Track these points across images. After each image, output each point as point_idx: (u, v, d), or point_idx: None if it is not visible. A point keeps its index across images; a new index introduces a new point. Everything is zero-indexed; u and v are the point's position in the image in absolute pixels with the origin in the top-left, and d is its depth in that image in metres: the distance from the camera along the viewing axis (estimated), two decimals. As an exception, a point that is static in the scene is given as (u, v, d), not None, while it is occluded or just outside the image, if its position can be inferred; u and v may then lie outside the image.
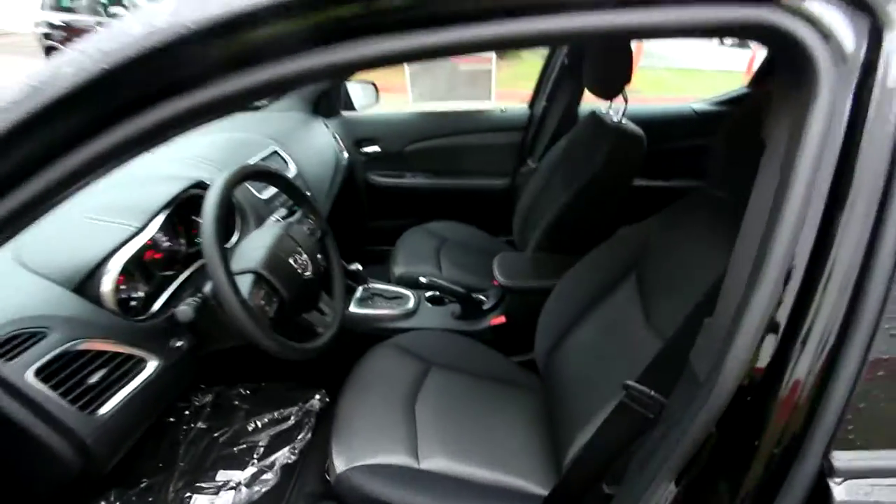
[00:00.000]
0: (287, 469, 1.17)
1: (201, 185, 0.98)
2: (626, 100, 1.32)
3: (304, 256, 0.92)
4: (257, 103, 1.79)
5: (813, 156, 0.40)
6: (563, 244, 1.38)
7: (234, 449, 1.22)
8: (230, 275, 0.74)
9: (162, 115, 0.39)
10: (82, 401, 0.70)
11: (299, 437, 1.25)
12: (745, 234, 0.48)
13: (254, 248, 0.86)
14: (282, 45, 0.38)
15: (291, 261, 0.88)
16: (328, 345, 0.93)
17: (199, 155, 1.16)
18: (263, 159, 1.29)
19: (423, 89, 1.97)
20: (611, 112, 1.43)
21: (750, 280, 0.44)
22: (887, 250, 0.40)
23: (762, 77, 1.80)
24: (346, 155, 1.87)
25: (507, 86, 1.92)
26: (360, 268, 1.41)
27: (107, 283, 0.78)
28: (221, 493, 1.11)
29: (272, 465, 1.17)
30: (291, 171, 1.38)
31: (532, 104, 1.98)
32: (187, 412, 1.32)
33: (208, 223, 0.75)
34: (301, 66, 0.37)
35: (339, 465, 0.89)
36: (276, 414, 1.30)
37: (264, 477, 1.14)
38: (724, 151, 0.81)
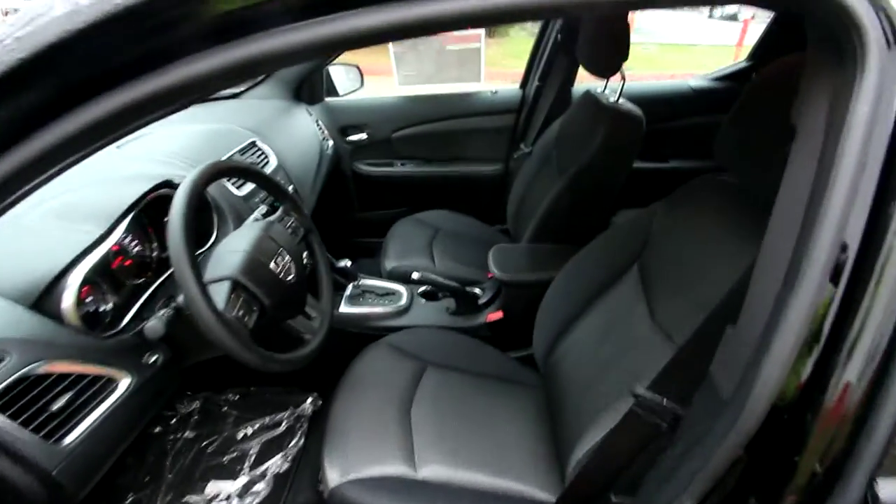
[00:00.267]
0: (280, 478, 1.12)
1: (170, 185, 0.90)
2: (623, 78, 1.26)
3: (287, 258, 0.85)
4: (234, 90, 1.69)
5: (859, 145, 0.35)
6: (561, 233, 1.32)
7: (224, 458, 1.17)
8: (202, 285, 0.67)
9: (107, 106, 0.33)
10: (46, 429, 0.64)
11: (291, 443, 1.20)
12: (775, 233, 0.43)
13: (230, 252, 0.79)
14: (243, 21, 0.31)
15: (272, 264, 0.81)
16: (315, 353, 0.87)
17: (168, 150, 1.07)
18: (241, 152, 1.21)
19: (409, 71, 1.87)
20: (607, 91, 1.37)
21: (785, 286, 0.39)
22: None
23: (763, 51, 1.73)
24: (330, 143, 1.78)
25: (495, 65, 1.83)
26: (350, 264, 1.34)
27: (67, 298, 0.71)
28: (212, 505, 1.07)
29: (264, 474, 1.12)
30: (272, 164, 1.30)
31: (524, 85, 1.90)
32: (173, 421, 1.26)
33: (176, 229, 0.68)
34: (219, 60, 0.31)
35: (333, 478, 0.84)
36: (266, 419, 1.25)
37: (256, 488, 1.09)
38: (734, 133, 0.75)
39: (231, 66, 0.33)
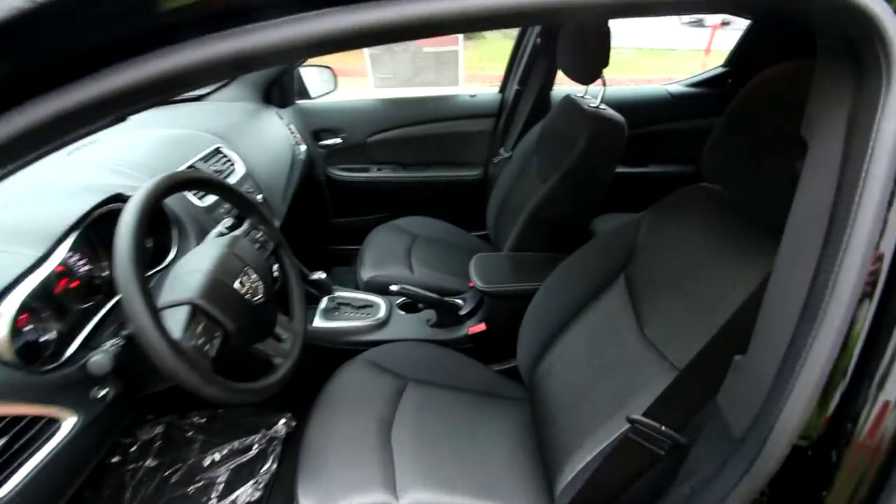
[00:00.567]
0: (251, 509, 1.05)
1: (121, 199, 0.82)
2: (604, 83, 1.24)
3: (254, 277, 0.78)
4: (198, 92, 1.60)
5: (890, 157, 0.32)
6: (544, 240, 1.29)
7: (190, 488, 1.08)
8: (154, 311, 0.60)
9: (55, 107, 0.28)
10: (-27, 481, 0.56)
11: (263, 468, 1.13)
12: (789, 257, 0.39)
13: (189, 272, 0.72)
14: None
15: (237, 285, 0.74)
16: (287, 378, 0.80)
17: (122, 159, 0.99)
18: (204, 159, 1.13)
19: (385, 73, 1.81)
20: (587, 96, 1.35)
21: (806, 313, 0.35)
22: None
23: (739, 57, 1.75)
24: (303, 148, 1.71)
25: (472, 68, 1.80)
26: (324, 275, 1.27)
27: (0, 330, 0.62)
28: (176, 542, 0.99)
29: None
30: (239, 171, 1.22)
31: (503, 89, 1.86)
32: (133, 449, 1.17)
33: (122, 250, 0.60)
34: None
35: None
36: (236, 444, 1.17)
37: (225, 520, 1.02)
38: (723, 142, 0.73)
39: (191, 67, 0.28)
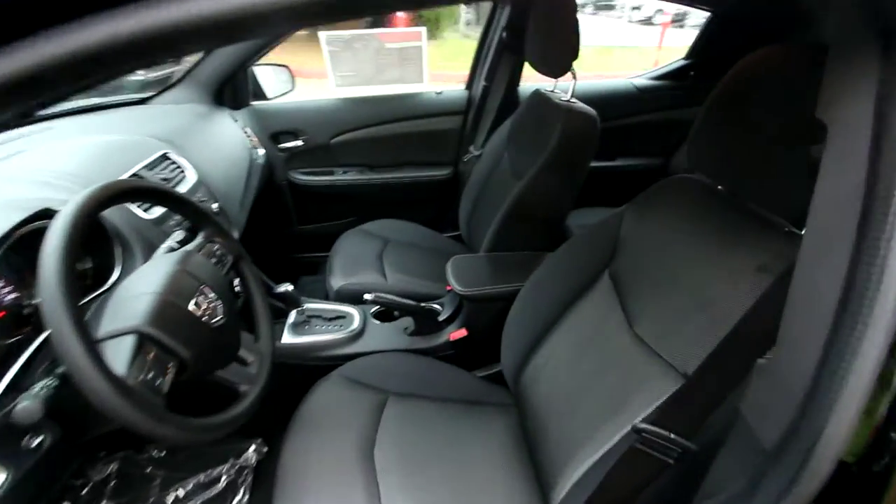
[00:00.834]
0: (221, 549, 0.96)
1: (49, 215, 0.72)
2: (574, 76, 1.21)
3: (212, 295, 0.69)
4: (141, 95, 1.47)
5: None
6: (521, 239, 1.26)
7: (150, 532, 0.98)
8: (90, 345, 0.51)
9: None
10: None
11: (234, 501, 1.03)
12: (816, 250, 0.36)
13: (135, 295, 0.63)
14: None
15: (192, 306, 0.66)
16: (255, 406, 0.72)
17: (54, 169, 0.87)
18: (149, 167, 1.02)
19: (346, 71, 1.73)
20: (557, 90, 1.32)
21: (847, 314, 0.32)
22: None
23: (700, 49, 1.78)
24: (261, 152, 1.60)
25: (434, 67, 1.75)
26: (291, 287, 1.19)
27: None
28: None
29: (202, 545, 0.95)
30: (190, 179, 1.11)
31: (469, 85, 1.82)
32: (84, 491, 1.04)
33: (49, 274, 0.51)
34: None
35: None
36: (201, 477, 1.07)
37: (192, 565, 0.92)
38: (707, 131, 0.70)
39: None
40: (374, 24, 1.84)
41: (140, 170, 0.99)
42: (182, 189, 1.06)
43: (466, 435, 0.94)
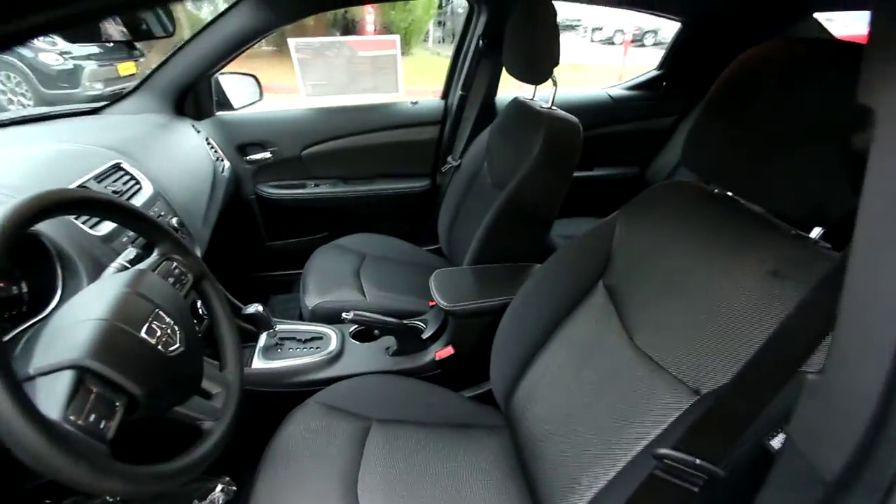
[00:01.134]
0: None
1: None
2: (555, 84, 1.19)
3: (167, 320, 0.61)
4: (93, 105, 1.36)
5: None
6: (506, 251, 1.21)
7: None
8: (14, 385, 0.42)
9: None
10: None
11: (199, 552, 0.92)
12: (873, 250, 0.32)
13: (74, 323, 0.54)
14: None
15: (144, 332, 0.57)
16: (221, 445, 0.63)
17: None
18: (99, 178, 0.92)
19: (317, 80, 1.67)
20: (536, 98, 1.30)
21: None
22: None
23: (672, 60, 1.82)
24: (227, 165, 1.51)
25: (405, 82, 1.71)
26: (261, 308, 1.09)
27: None
28: None
29: None
30: (146, 191, 1.01)
31: (445, 95, 1.79)
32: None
33: None
34: None
35: None
36: (160, 525, 0.95)
37: None
38: (706, 130, 0.68)
39: None
40: (345, 32, 1.80)
41: (88, 181, 0.89)
42: (136, 202, 0.96)
43: (456, 461, 0.87)
